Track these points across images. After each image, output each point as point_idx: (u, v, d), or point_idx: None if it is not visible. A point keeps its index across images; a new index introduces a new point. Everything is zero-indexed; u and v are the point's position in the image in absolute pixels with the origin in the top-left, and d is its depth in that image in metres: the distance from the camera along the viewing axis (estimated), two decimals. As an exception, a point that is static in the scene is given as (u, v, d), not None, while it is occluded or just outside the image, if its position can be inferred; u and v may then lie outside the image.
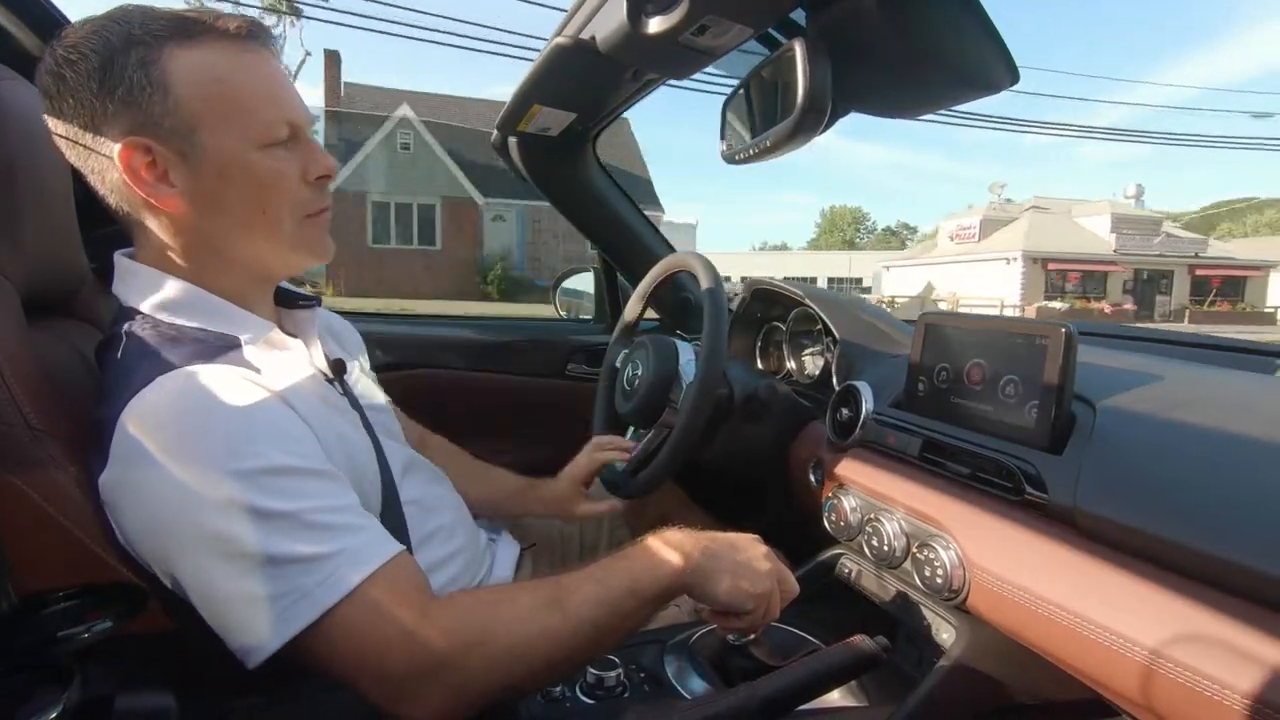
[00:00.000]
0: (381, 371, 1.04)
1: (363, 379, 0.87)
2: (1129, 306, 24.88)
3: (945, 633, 0.72)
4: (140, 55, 0.58)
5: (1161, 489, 0.56)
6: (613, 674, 0.71)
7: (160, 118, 0.59)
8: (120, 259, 0.67)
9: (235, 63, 0.62)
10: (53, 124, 0.61)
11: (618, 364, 1.11)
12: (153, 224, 0.63)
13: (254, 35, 0.63)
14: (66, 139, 0.61)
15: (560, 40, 0.85)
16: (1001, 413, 0.71)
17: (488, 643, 0.56)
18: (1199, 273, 26.37)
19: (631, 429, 1.10)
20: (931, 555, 0.69)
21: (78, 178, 0.72)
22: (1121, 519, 0.56)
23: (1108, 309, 23.98)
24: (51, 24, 0.82)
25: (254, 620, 0.53)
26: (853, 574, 0.87)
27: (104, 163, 0.60)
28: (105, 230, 0.74)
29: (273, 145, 0.63)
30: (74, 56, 0.57)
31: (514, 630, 0.58)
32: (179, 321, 0.64)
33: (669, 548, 0.65)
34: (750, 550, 0.69)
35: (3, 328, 0.60)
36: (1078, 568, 0.58)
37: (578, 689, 0.71)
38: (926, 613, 0.75)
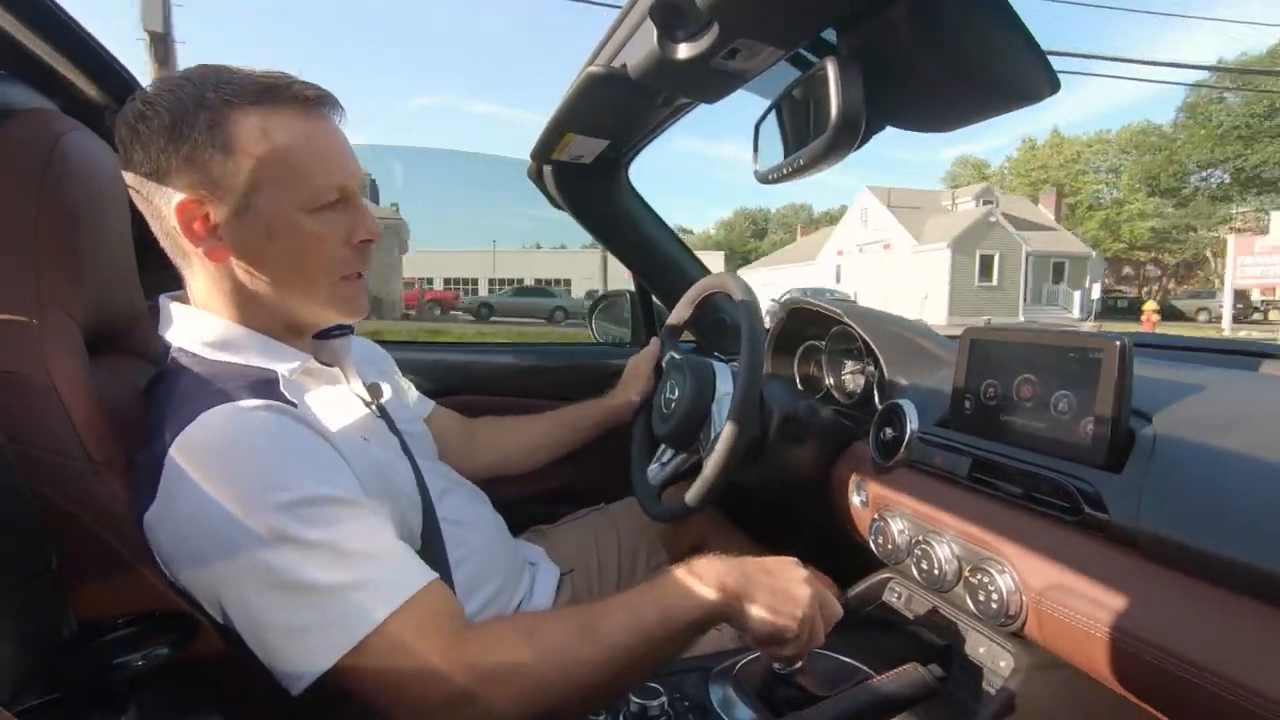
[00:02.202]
0: None
1: (397, 401, 0.88)
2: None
3: (1002, 660, 0.69)
4: (209, 118, 0.61)
5: (1233, 508, 0.53)
6: (656, 703, 0.69)
7: (220, 178, 0.62)
8: (164, 301, 0.70)
9: (299, 129, 0.64)
10: (124, 168, 0.65)
11: (663, 365, 1.11)
12: (200, 270, 0.67)
13: (322, 102, 0.66)
14: (132, 184, 0.65)
15: (592, 69, 0.87)
16: (1055, 430, 0.68)
17: (520, 673, 0.56)
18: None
19: (665, 447, 1.09)
20: (985, 580, 0.67)
21: (137, 220, 0.76)
22: (1190, 540, 0.53)
23: None
24: (114, 76, 0.87)
25: (294, 648, 0.54)
26: (902, 599, 0.84)
27: (162, 211, 0.64)
28: (163, 272, 0.77)
29: (321, 209, 0.66)
30: (149, 112, 0.61)
31: (546, 659, 0.57)
32: (221, 358, 0.66)
33: (703, 576, 0.64)
34: (787, 574, 0.67)
35: (67, 365, 0.62)
36: (1143, 592, 0.55)
37: (620, 718, 0.70)
38: (982, 640, 0.72)
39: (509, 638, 0.59)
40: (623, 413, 1.18)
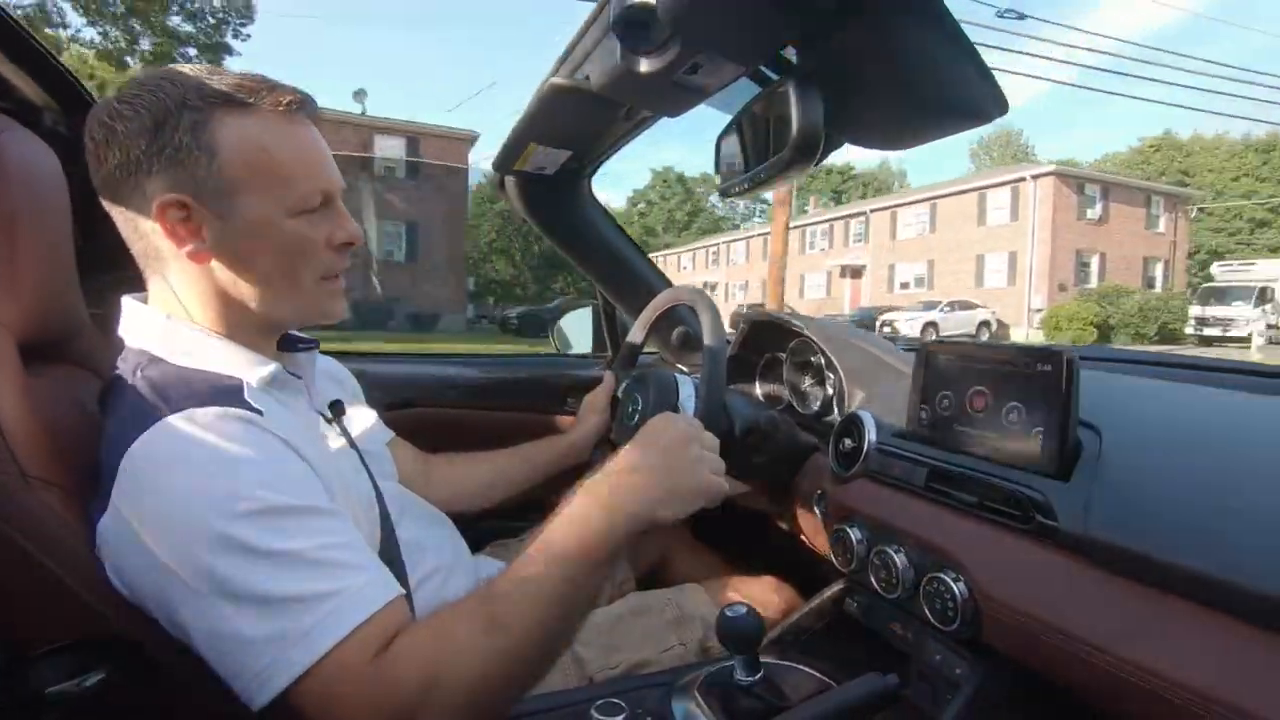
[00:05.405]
0: (381, 411, 1.03)
1: (359, 421, 0.87)
2: None
3: (959, 667, 0.70)
4: (192, 119, 0.60)
5: (1175, 515, 0.55)
6: (618, 719, 0.69)
7: (203, 179, 0.61)
8: (129, 301, 0.68)
9: (281, 133, 0.64)
10: (95, 168, 0.62)
11: (619, 394, 1.11)
12: (175, 272, 0.65)
13: (302, 107, 0.66)
14: (104, 184, 0.63)
15: (556, 81, 0.87)
16: (1006, 440, 0.70)
17: (440, 686, 0.54)
18: None
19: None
20: (941, 588, 0.68)
21: (78, 224, 0.73)
22: (1135, 546, 0.55)
23: None
24: (54, 76, 0.84)
25: (254, 662, 0.52)
26: (862, 608, 0.85)
27: (139, 212, 0.62)
28: (104, 277, 0.74)
29: (304, 212, 0.66)
30: (128, 112, 0.60)
31: (461, 666, 0.55)
32: (184, 364, 0.64)
33: (593, 518, 0.63)
34: (661, 462, 0.69)
35: None
36: (1091, 597, 0.56)
37: None
38: (939, 647, 0.73)
39: (418, 653, 0.55)
40: (581, 448, 1.17)
